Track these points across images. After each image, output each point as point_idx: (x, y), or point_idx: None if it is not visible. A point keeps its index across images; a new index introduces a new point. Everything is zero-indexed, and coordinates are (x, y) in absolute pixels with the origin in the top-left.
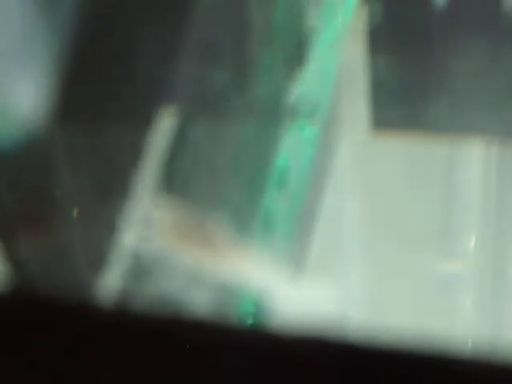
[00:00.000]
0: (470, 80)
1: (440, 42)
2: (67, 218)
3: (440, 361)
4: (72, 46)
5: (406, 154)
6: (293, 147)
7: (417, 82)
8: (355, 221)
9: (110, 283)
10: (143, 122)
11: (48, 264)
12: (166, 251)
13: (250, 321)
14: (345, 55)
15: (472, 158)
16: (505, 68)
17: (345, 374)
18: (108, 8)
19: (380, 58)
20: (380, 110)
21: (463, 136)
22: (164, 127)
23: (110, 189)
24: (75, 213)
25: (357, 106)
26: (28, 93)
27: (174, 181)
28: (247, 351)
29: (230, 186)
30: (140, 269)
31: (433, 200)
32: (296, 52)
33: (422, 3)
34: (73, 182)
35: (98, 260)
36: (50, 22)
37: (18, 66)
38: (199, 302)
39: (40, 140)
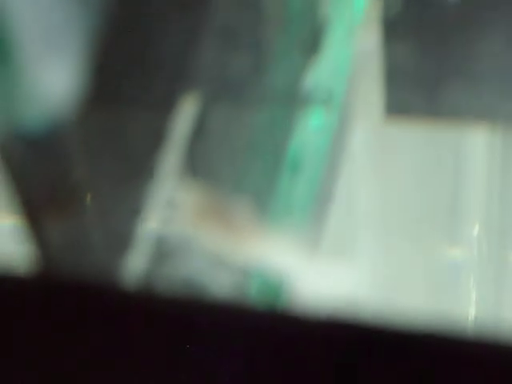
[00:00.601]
0: (484, 67)
1: (455, 30)
2: (93, 202)
3: (447, 339)
4: (101, 36)
5: (419, 139)
6: (308, 133)
7: (431, 69)
8: (368, 204)
9: (133, 265)
10: (167, 107)
11: (73, 247)
12: (189, 233)
13: (269, 301)
14: (360, 43)
15: (479, 145)
16: None
17: (359, 351)
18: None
19: (395, 46)
20: (394, 96)
21: (475, 122)
22: (186, 113)
23: (135, 173)
24: (100, 197)
25: (371, 93)
26: (60, 79)
27: (196, 164)
28: (267, 332)
29: (248, 169)
30: (163, 251)
31: (442, 186)
32: (311, 39)
33: None
34: (99, 166)
35: (122, 243)
36: (82, 12)
37: (53, 54)
38: (221, 284)
39: (69, 125)
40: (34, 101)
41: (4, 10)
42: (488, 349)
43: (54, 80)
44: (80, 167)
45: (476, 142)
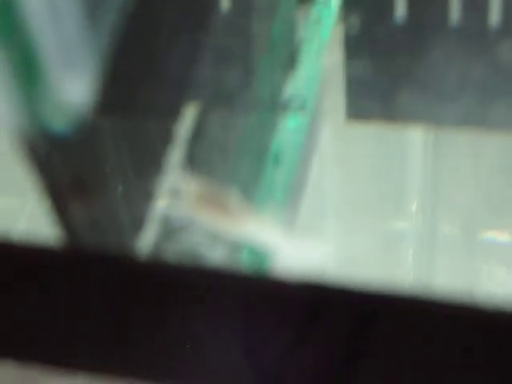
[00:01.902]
0: (426, 78)
1: (403, 47)
2: (113, 189)
3: (391, 298)
4: (115, 51)
5: (373, 137)
6: (286, 133)
7: (383, 80)
8: (333, 190)
9: (146, 240)
10: (172, 113)
11: (98, 225)
12: (191, 215)
13: (256, 267)
14: (327, 59)
15: (418, 141)
16: (458, 67)
17: (322, 306)
18: (145, 19)
19: (355, 62)
20: (354, 103)
21: (416, 124)
22: (187, 118)
23: (147, 167)
24: (119, 185)
25: (336, 100)
26: (81, 87)
27: (195, 160)
28: (255, 291)
29: (238, 164)
30: (170, 228)
31: (389, 174)
32: (289, 58)
33: (387, 18)
34: (117, 160)
35: (137, 221)
36: (98, 33)
37: (73, 67)
38: (216, 255)
39: (90, 126)
40: (58, 107)
41: (34, 32)
42: (423, 303)
43: (74, 89)
44: (103, 161)
45: (416, 139)
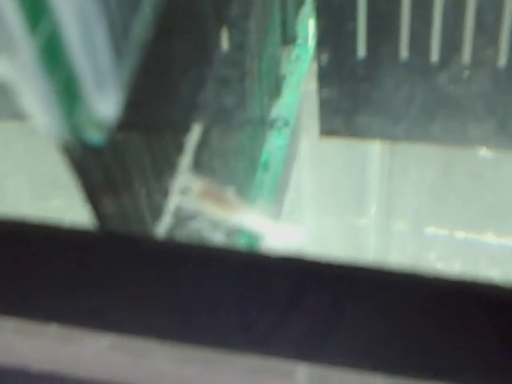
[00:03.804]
0: (386, 100)
1: (364, 75)
2: (136, 188)
3: (357, 269)
4: (138, 78)
5: (341, 150)
6: (273, 145)
7: (349, 104)
8: (309, 190)
9: (163, 226)
10: (182, 128)
11: (125, 215)
12: (197, 207)
13: (249, 247)
14: (305, 88)
15: (376, 154)
16: (406, 93)
17: (306, 278)
18: (161, 53)
19: (326, 89)
20: (325, 122)
21: (375, 139)
22: (195, 132)
23: (163, 170)
24: (141, 184)
25: (312, 120)
26: (110, 106)
27: (201, 165)
28: (247, 266)
29: (235, 169)
30: (181, 217)
31: (353, 179)
32: (275, 87)
33: (350, 55)
34: (139, 164)
35: (155, 212)
36: (125, 60)
37: (103, 89)
38: (217, 237)
39: (118, 137)
40: (93, 121)
41: (75, 61)
42: (380, 275)
43: (106, 107)
44: (127, 165)
45: (374, 152)
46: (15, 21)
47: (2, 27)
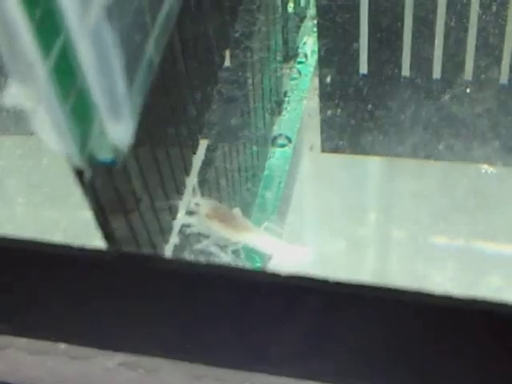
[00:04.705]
0: (385, 119)
1: (366, 95)
2: (145, 205)
3: (359, 287)
4: (148, 99)
5: (342, 165)
6: (276, 161)
7: (350, 121)
8: (311, 205)
9: (170, 243)
10: (189, 145)
11: (134, 233)
12: (204, 226)
13: (254, 265)
14: (306, 105)
15: (375, 169)
16: (407, 111)
17: (307, 293)
18: (169, 75)
19: (328, 106)
20: (327, 138)
21: (369, 154)
22: (201, 149)
23: (170, 187)
24: (151, 202)
25: (314, 136)
26: (122, 128)
27: (208, 183)
28: (254, 282)
29: (240, 187)
30: (189, 236)
31: (354, 193)
32: (277, 106)
33: (353, 72)
34: (148, 183)
35: (164, 229)
36: (136, 84)
37: (117, 111)
38: (223, 255)
39: (128, 157)
40: (105, 141)
41: (89, 86)
42: (377, 291)
43: (117, 129)
44: (137, 184)
45: (374, 166)
46: (28, 45)
47: (15, 52)
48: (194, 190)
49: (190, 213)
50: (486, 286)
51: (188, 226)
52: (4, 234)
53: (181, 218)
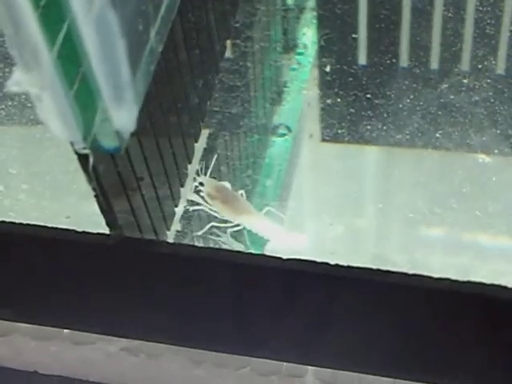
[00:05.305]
0: (383, 108)
1: (365, 85)
2: (147, 190)
3: (356, 271)
4: (152, 87)
5: (341, 155)
6: (277, 150)
7: (349, 110)
8: (311, 194)
9: (175, 227)
10: (191, 134)
11: (137, 217)
12: (207, 209)
13: (255, 248)
14: (306, 95)
15: (374, 158)
16: (406, 100)
17: (301, 276)
18: (173, 64)
19: (327, 96)
20: (327, 128)
21: (372, 144)
22: (203, 137)
23: (174, 173)
24: (152, 187)
25: (313, 126)
26: (126, 114)
27: (208, 171)
28: (254, 264)
29: (242, 173)
30: (192, 218)
31: (353, 183)
32: (277, 95)
33: (352, 62)
34: (152, 169)
35: (167, 213)
36: (141, 72)
37: (122, 98)
38: (226, 238)
39: (133, 142)
40: (111, 128)
41: (95, 74)
42: (379, 277)
43: (122, 116)
44: (139, 168)
45: (373, 156)
46: (34, 33)
47: (20, 39)
48: (199, 170)
49: (193, 194)
50: (484, 271)
51: (191, 207)
52: (8, 220)
53: (185, 200)
